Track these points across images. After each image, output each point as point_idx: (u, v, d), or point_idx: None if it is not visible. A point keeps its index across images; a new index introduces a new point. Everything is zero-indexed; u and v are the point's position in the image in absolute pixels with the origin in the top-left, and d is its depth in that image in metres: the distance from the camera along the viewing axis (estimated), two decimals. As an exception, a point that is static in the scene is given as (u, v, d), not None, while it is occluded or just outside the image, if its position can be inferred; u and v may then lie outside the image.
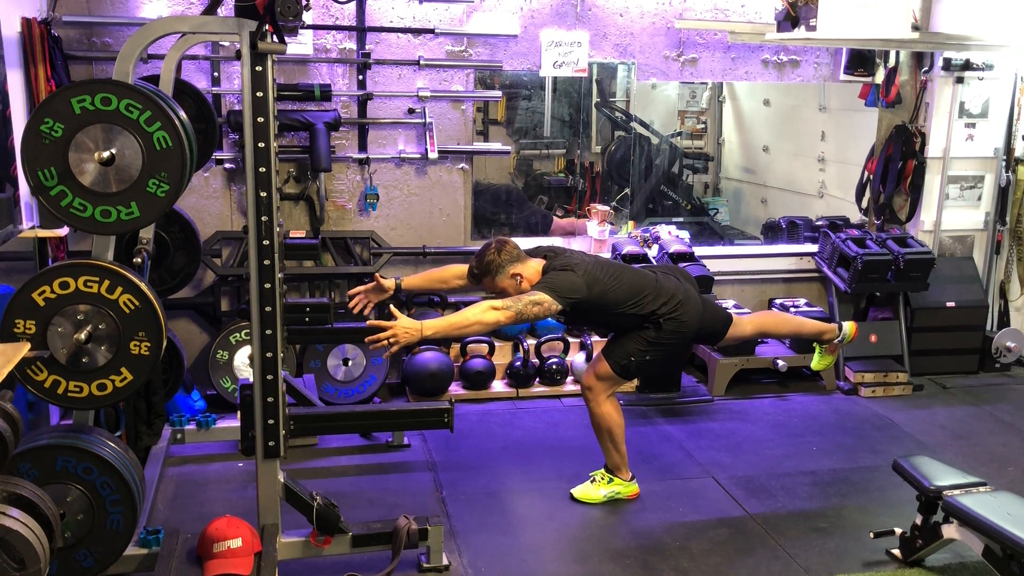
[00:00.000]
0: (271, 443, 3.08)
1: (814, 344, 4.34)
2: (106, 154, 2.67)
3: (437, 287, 4.04)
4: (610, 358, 3.80)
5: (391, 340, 3.24)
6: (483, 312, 3.42)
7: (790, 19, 4.76)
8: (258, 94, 2.83)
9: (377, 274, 3.90)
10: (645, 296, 3.72)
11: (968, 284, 5.71)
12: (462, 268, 3.90)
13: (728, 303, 5.42)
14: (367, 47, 4.86)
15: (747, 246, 6.48)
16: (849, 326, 4.22)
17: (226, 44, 4.66)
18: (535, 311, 3.49)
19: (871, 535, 3.56)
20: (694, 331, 3.86)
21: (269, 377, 3.02)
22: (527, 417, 4.86)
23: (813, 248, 5.77)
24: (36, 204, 3.35)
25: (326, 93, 4.69)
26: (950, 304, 5.61)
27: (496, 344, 5.12)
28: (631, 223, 5.81)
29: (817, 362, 4.38)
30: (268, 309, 2.97)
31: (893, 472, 3.62)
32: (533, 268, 3.74)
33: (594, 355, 3.99)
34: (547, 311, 3.52)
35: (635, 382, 5.16)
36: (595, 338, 5.08)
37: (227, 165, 4.80)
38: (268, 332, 2.99)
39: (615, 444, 3.89)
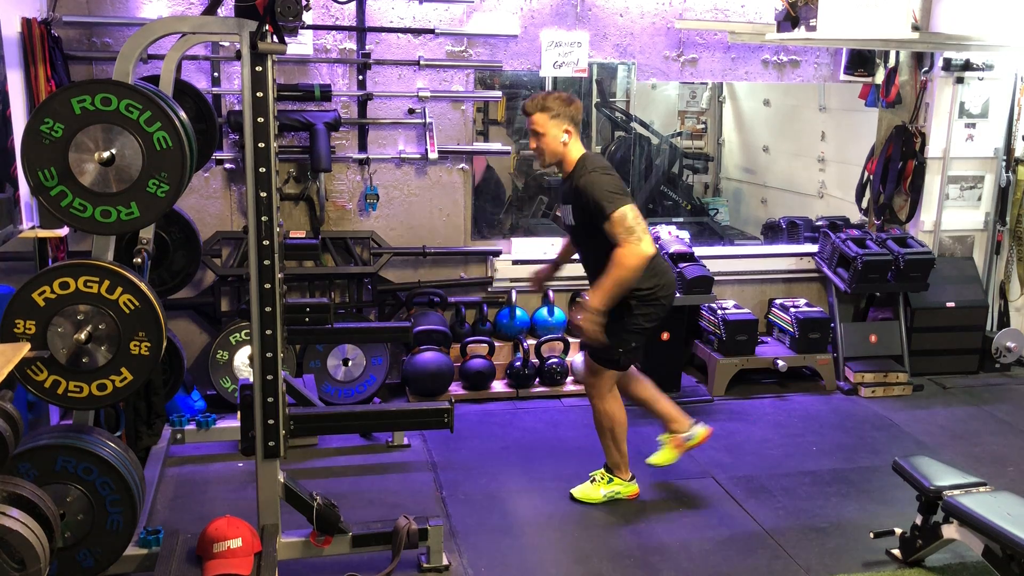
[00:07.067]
0: (271, 443, 3.08)
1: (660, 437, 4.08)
2: (106, 154, 2.68)
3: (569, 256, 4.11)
4: (598, 356, 3.78)
5: (585, 329, 3.54)
6: (626, 258, 3.44)
7: (790, 19, 4.77)
8: (258, 94, 2.83)
9: (540, 270, 4.14)
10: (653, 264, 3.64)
11: (968, 284, 5.71)
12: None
13: (728, 303, 5.43)
14: (367, 47, 4.86)
15: (747, 246, 6.47)
16: (702, 429, 3.99)
17: (226, 44, 4.66)
18: (641, 224, 3.52)
19: (871, 535, 3.56)
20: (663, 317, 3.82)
21: (269, 377, 3.03)
22: (527, 417, 4.86)
23: (813, 248, 5.77)
24: (36, 204, 3.35)
25: (326, 93, 4.69)
26: (950, 304, 5.61)
27: (496, 344, 5.12)
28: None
29: (657, 456, 4.02)
30: (268, 309, 2.98)
31: (893, 472, 3.62)
32: (579, 148, 3.65)
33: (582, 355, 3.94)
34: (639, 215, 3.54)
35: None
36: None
37: (227, 165, 4.80)
38: (268, 332, 2.99)
39: (616, 443, 3.89)
